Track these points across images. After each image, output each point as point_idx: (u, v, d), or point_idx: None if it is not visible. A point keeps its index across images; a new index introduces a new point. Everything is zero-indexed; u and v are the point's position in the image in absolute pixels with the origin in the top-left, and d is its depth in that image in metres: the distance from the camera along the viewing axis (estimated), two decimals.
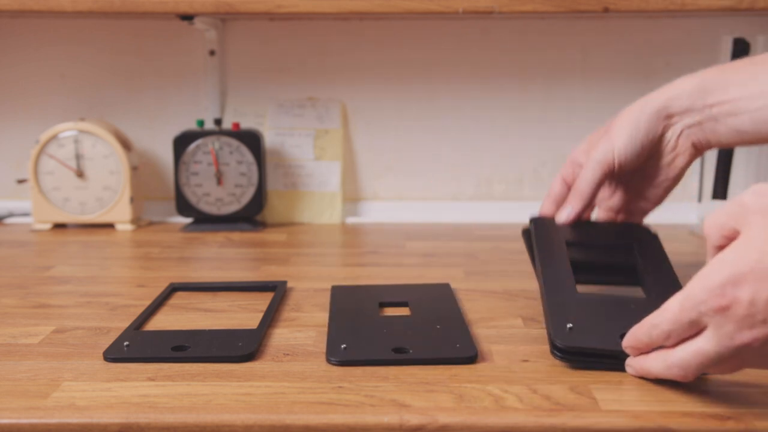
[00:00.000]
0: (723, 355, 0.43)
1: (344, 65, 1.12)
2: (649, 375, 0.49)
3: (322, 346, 0.58)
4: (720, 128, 0.61)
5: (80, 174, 1.04)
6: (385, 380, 0.51)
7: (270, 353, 0.57)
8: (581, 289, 0.60)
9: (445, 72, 1.12)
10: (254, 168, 1.05)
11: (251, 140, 1.04)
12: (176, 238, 1.00)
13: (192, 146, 1.04)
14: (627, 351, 0.51)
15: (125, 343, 0.57)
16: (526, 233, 0.68)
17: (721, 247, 0.44)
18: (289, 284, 0.76)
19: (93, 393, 0.49)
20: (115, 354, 0.55)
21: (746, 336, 0.41)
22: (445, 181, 1.15)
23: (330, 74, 1.12)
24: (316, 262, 0.88)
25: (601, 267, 0.65)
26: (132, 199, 1.05)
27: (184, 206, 1.05)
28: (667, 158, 0.64)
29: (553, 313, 0.55)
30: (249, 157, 1.04)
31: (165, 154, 1.14)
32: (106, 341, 0.59)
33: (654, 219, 0.70)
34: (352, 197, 1.15)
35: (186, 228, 1.05)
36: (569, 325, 0.53)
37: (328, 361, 0.54)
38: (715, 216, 0.44)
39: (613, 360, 0.52)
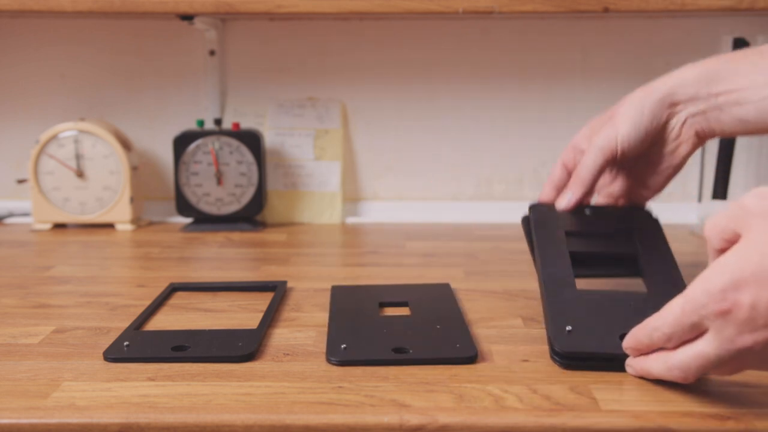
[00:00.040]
0: (724, 358, 0.43)
1: (344, 65, 1.12)
2: (649, 376, 0.49)
3: (322, 346, 0.58)
4: (724, 117, 0.60)
5: (80, 174, 1.04)
6: (385, 380, 0.51)
7: (270, 353, 0.57)
8: (580, 283, 0.59)
9: (445, 72, 1.12)
10: (254, 168, 1.05)
11: (251, 140, 1.04)
12: (176, 238, 1.00)
13: (192, 146, 1.04)
14: (627, 352, 0.51)
15: (125, 343, 0.57)
16: (526, 221, 0.68)
17: (722, 250, 0.44)
18: (289, 284, 0.76)
19: (93, 393, 0.49)
20: (115, 354, 0.55)
21: (747, 340, 0.41)
22: (445, 181, 1.15)
23: (330, 74, 1.12)
24: (316, 262, 0.88)
25: (601, 259, 0.64)
26: (132, 199, 1.05)
27: (184, 206, 1.05)
28: (670, 146, 0.64)
29: (553, 314, 0.55)
30: (249, 157, 1.04)
31: (165, 154, 1.14)
32: (106, 341, 0.59)
33: None
34: (352, 197, 1.15)
35: (186, 228, 1.05)
36: (568, 328, 0.53)
37: (328, 361, 0.54)
38: (715, 219, 0.44)
39: (612, 362, 0.52)
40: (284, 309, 0.68)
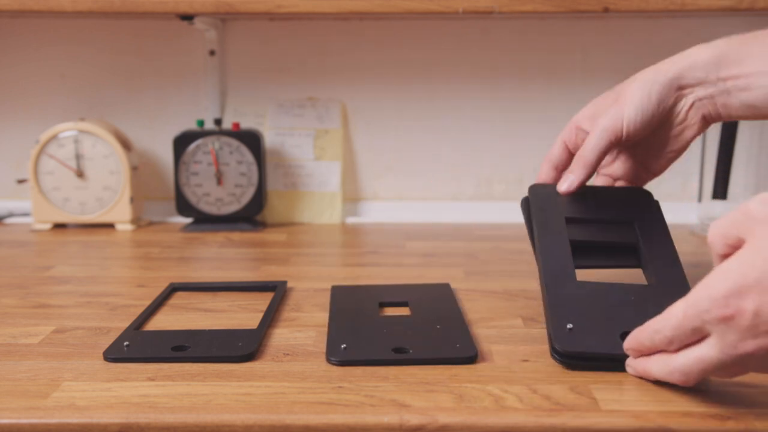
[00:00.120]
0: (726, 362, 0.43)
1: (344, 65, 1.12)
2: (649, 377, 0.49)
3: (322, 346, 0.58)
4: (732, 102, 0.60)
5: (80, 174, 1.04)
6: (385, 380, 0.51)
7: (270, 353, 0.57)
8: (581, 274, 0.59)
9: (445, 72, 1.12)
10: (254, 168, 1.05)
11: (251, 140, 1.04)
12: (176, 238, 1.00)
13: (192, 146, 1.04)
14: (628, 352, 0.51)
15: (125, 343, 0.57)
16: (525, 202, 0.67)
17: (725, 256, 0.43)
18: (289, 284, 0.76)
19: (93, 393, 0.49)
20: (115, 354, 0.55)
21: (750, 345, 0.41)
22: (445, 181, 1.15)
23: (330, 74, 1.12)
24: (316, 262, 0.88)
25: (601, 248, 0.63)
26: (132, 199, 1.05)
27: (184, 206, 1.05)
28: (675, 129, 0.63)
29: (553, 310, 0.55)
30: (249, 157, 1.04)
31: (165, 154, 1.14)
32: (106, 341, 0.59)
33: None
34: (352, 197, 1.15)
35: (186, 228, 1.05)
36: (569, 326, 0.53)
37: (328, 361, 0.54)
38: (719, 224, 0.44)
39: (613, 362, 0.52)
40: (284, 309, 0.68)
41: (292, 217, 1.11)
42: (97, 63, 1.12)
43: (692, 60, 0.61)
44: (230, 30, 1.12)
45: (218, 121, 1.05)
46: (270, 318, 0.64)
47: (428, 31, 1.10)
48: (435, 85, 1.12)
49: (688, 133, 0.63)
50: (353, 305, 0.67)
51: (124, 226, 1.05)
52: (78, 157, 1.04)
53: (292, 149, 1.11)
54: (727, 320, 0.41)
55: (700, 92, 0.61)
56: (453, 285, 0.74)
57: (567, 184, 0.64)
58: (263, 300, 0.70)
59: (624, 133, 0.62)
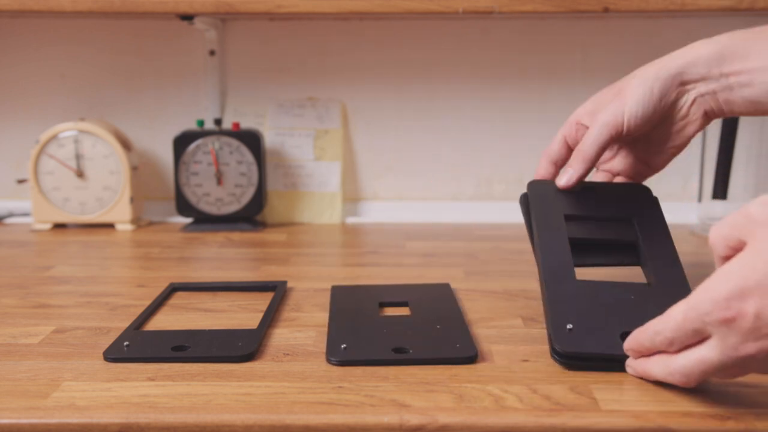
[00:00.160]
0: (726, 364, 0.43)
1: (344, 65, 1.12)
2: (650, 378, 0.49)
3: (322, 346, 0.58)
4: (734, 98, 0.59)
5: (80, 174, 1.04)
6: (385, 380, 0.51)
7: (270, 353, 0.57)
8: (580, 272, 0.59)
9: (445, 72, 1.12)
10: (254, 168, 1.05)
11: (251, 140, 1.04)
12: (176, 238, 1.00)
13: (192, 146, 1.04)
14: (628, 353, 0.51)
15: (125, 343, 0.57)
16: (524, 199, 0.66)
17: (727, 258, 0.43)
18: (289, 284, 0.76)
19: (93, 393, 0.49)
20: (115, 354, 0.55)
21: (751, 348, 0.41)
22: (445, 181, 1.15)
23: (330, 74, 1.12)
24: (316, 262, 0.88)
25: (601, 246, 0.63)
26: (132, 199, 1.05)
27: (184, 206, 1.05)
28: (677, 125, 0.62)
29: (553, 310, 0.55)
30: (249, 157, 1.04)
31: (165, 154, 1.14)
32: (106, 341, 0.59)
33: None
34: (352, 197, 1.15)
35: (186, 228, 1.05)
36: (569, 326, 0.53)
37: (328, 361, 0.54)
38: (720, 226, 0.44)
39: (613, 363, 0.52)
40: (284, 309, 0.68)
41: (292, 217, 1.11)
42: (97, 63, 1.12)
43: (694, 55, 0.60)
44: (230, 30, 1.12)
45: (218, 121, 1.05)
46: (270, 318, 0.64)
47: (428, 31, 1.10)
48: (435, 85, 1.12)
49: (690, 129, 0.62)
50: (353, 305, 0.67)
51: (124, 226, 1.05)
52: (78, 157, 1.04)
53: (292, 149, 1.11)
54: (728, 322, 0.41)
55: (702, 88, 0.60)
56: (453, 285, 0.74)
57: (566, 178, 0.64)
58: (263, 300, 0.70)
59: (625, 128, 0.61)
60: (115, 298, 0.72)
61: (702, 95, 0.61)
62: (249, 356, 0.55)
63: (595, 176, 0.70)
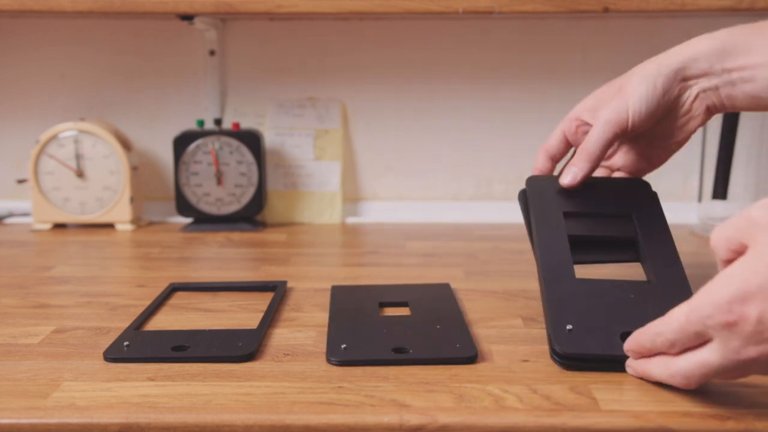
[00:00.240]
0: (727, 367, 0.43)
1: (344, 65, 1.12)
2: (650, 378, 0.49)
3: (322, 346, 0.58)
4: (736, 93, 0.59)
5: (80, 174, 1.04)
6: (385, 380, 0.51)
7: (270, 353, 0.57)
8: (579, 270, 0.59)
9: (445, 72, 1.12)
10: (254, 168, 1.05)
11: (251, 140, 1.04)
12: (176, 238, 1.00)
13: (192, 146, 1.04)
14: (628, 354, 0.50)
15: (125, 343, 0.57)
16: (523, 195, 0.66)
17: (729, 261, 0.43)
18: (289, 284, 0.76)
19: (93, 393, 0.49)
20: (115, 354, 0.55)
21: (752, 351, 0.41)
22: (445, 181, 1.15)
23: (330, 74, 1.12)
24: (316, 262, 0.88)
25: (600, 243, 0.63)
26: (132, 199, 1.05)
27: (184, 206, 1.05)
28: (679, 121, 0.62)
29: (552, 311, 0.55)
30: (249, 157, 1.04)
31: (165, 154, 1.14)
32: (106, 341, 0.59)
33: None
34: (352, 197, 1.15)
35: (186, 228, 1.05)
36: (569, 327, 0.53)
37: (328, 361, 0.54)
38: (722, 229, 0.44)
39: (613, 363, 0.52)
40: (284, 309, 0.68)
41: (292, 217, 1.11)
42: (97, 63, 1.12)
43: (696, 51, 0.60)
44: (230, 30, 1.12)
45: (218, 121, 1.05)
46: (270, 318, 0.64)
47: (428, 31, 1.10)
48: (435, 85, 1.12)
49: (692, 124, 0.62)
50: (353, 305, 0.67)
51: (124, 226, 1.05)
52: (78, 157, 1.04)
53: (292, 149, 1.11)
54: (730, 326, 0.41)
55: (704, 83, 0.60)
56: (453, 285, 0.74)
57: (570, 177, 0.63)
58: (263, 300, 0.70)
59: (629, 125, 0.61)
60: (115, 298, 0.72)
61: (704, 90, 0.60)
62: (249, 356, 0.55)
63: (595, 171, 0.70)
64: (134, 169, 1.05)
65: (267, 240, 1.00)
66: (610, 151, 0.68)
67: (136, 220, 1.07)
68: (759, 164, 0.98)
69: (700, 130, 1.02)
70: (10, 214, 1.11)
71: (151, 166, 1.15)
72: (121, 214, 1.05)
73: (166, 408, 0.47)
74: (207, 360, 0.55)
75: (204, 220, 1.06)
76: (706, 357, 0.43)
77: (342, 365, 0.54)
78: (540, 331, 0.61)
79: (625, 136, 0.63)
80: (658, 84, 0.60)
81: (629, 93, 0.61)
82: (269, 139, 1.11)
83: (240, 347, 0.56)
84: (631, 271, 0.63)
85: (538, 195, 0.65)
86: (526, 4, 0.89)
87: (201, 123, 1.05)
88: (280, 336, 0.61)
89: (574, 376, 0.52)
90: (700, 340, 0.44)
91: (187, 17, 0.96)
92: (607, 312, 0.55)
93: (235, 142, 1.04)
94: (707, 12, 0.96)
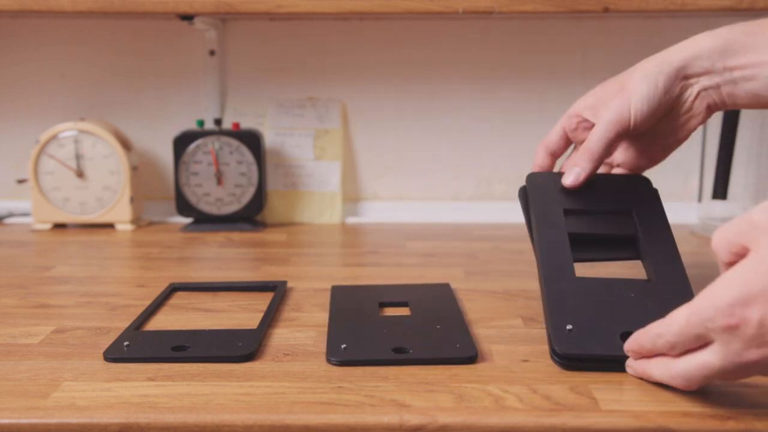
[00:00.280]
0: (728, 370, 0.43)
1: (344, 65, 1.12)
2: (650, 379, 0.49)
3: (322, 346, 0.58)
4: (738, 91, 0.59)
5: (80, 174, 1.04)
6: (385, 380, 0.51)
7: (270, 353, 0.57)
8: (580, 269, 0.59)
9: (445, 72, 1.12)
10: (254, 168, 1.05)
11: (251, 140, 1.04)
12: (176, 238, 1.00)
13: (192, 146, 1.04)
14: (628, 354, 0.50)
15: (125, 343, 0.57)
16: (523, 193, 0.66)
17: (730, 264, 0.43)
18: (289, 284, 0.76)
19: (93, 393, 0.49)
20: (115, 354, 0.55)
21: (753, 354, 0.41)
22: (445, 181, 1.15)
23: (330, 74, 1.12)
24: (316, 262, 0.88)
25: (600, 241, 0.62)
26: (132, 199, 1.05)
27: (184, 206, 1.05)
28: (680, 119, 0.62)
29: (552, 310, 0.55)
30: (249, 157, 1.04)
31: (165, 154, 1.14)
32: (106, 341, 0.59)
33: None
34: (352, 197, 1.15)
35: (186, 228, 1.05)
36: (569, 327, 0.53)
37: (328, 361, 0.54)
38: (723, 232, 0.44)
39: (613, 363, 0.52)
40: (284, 309, 0.68)
41: (292, 217, 1.11)
42: (97, 63, 1.12)
43: (697, 49, 0.60)
44: (230, 30, 1.12)
45: (218, 121, 1.05)
46: (270, 318, 0.64)
47: (428, 31, 1.10)
48: (435, 85, 1.12)
49: (693, 122, 0.62)
50: (353, 305, 0.67)
51: (124, 226, 1.05)
52: (78, 157, 1.04)
53: (292, 149, 1.11)
54: (731, 329, 0.41)
55: (705, 81, 0.60)
56: (453, 285, 0.74)
57: (573, 177, 0.63)
58: (263, 300, 0.70)
59: (632, 124, 0.61)
60: (115, 298, 0.72)
61: (705, 89, 0.60)
62: (249, 356, 0.55)
63: None
64: (134, 169, 1.05)
65: (267, 240, 1.00)
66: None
67: (136, 220, 1.07)
68: (759, 164, 0.98)
69: (700, 130, 1.02)
70: (10, 214, 1.11)
71: (151, 166, 1.15)
72: (121, 214, 1.05)
73: (166, 408, 0.47)
74: (207, 360, 0.55)
75: (204, 220, 1.06)
76: (707, 359, 0.43)
77: (342, 365, 0.54)
78: (540, 331, 0.61)
79: (626, 134, 0.63)
80: (659, 83, 0.60)
81: (631, 92, 0.61)
82: (269, 139, 1.11)
83: (240, 347, 0.56)
84: (631, 271, 0.63)
85: (538, 192, 0.65)
86: (526, 4, 0.89)
87: (201, 123, 1.05)
88: (280, 336, 0.61)
89: (574, 376, 0.52)
90: (700, 342, 0.44)
91: (187, 17, 0.96)
92: (607, 311, 0.55)
93: (235, 142, 1.04)
94: (707, 12, 0.96)
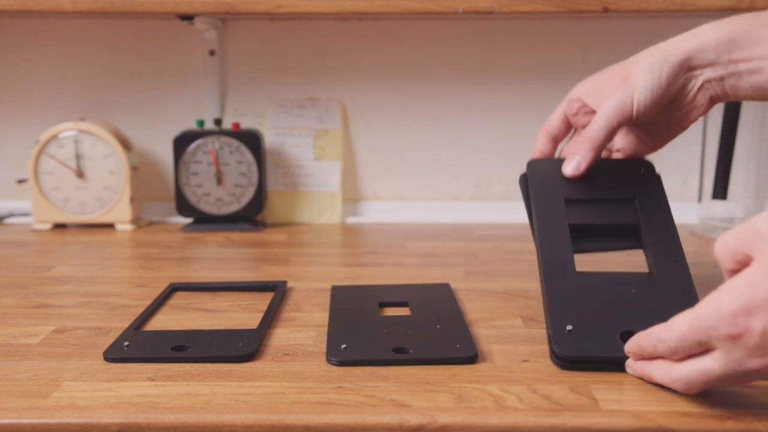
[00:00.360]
0: (729, 376, 0.43)
1: (344, 65, 1.12)
2: (650, 380, 0.49)
3: (322, 346, 0.58)
4: (742, 84, 0.58)
5: (80, 174, 1.04)
6: (385, 380, 0.51)
7: (270, 353, 0.57)
8: (580, 260, 0.58)
9: (445, 72, 1.12)
10: (254, 168, 1.05)
11: (251, 140, 1.04)
12: (176, 238, 1.00)
13: (192, 146, 1.04)
14: (629, 355, 0.50)
15: (125, 343, 0.57)
16: (523, 180, 0.65)
17: (734, 271, 0.43)
18: (289, 284, 0.76)
19: (93, 393, 0.49)
20: (115, 354, 0.55)
21: (756, 363, 0.41)
22: (445, 181, 1.15)
23: (330, 74, 1.12)
24: (316, 262, 0.88)
25: (602, 231, 0.62)
26: (132, 199, 1.05)
27: (184, 206, 1.05)
28: (682, 110, 0.61)
29: (552, 309, 0.55)
30: (249, 157, 1.04)
31: (165, 154, 1.14)
32: (106, 341, 0.59)
33: None
34: (352, 197, 1.15)
35: (186, 228, 1.05)
36: (569, 327, 0.53)
37: (328, 361, 0.54)
38: (726, 239, 0.43)
39: (613, 364, 0.52)
40: (284, 309, 0.68)
41: (292, 217, 1.11)
42: (97, 63, 1.12)
43: (703, 40, 0.59)
44: (230, 30, 1.12)
45: (218, 121, 1.05)
46: (270, 318, 0.64)
47: (428, 31, 1.10)
48: (435, 85, 1.12)
49: (694, 114, 0.62)
50: (353, 305, 0.67)
51: (124, 226, 1.05)
52: (78, 157, 1.04)
53: (292, 149, 1.11)
54: (734, 338, 0.41)
55: (709, 73, 0.59)
56: (453, 285, 0.74)
57: (573, 166, 0.63)
58: (263, 300, 0.70)
59: (634, 113, 0.60)
60: (115, 298, 0.72)
61: (709, 81, 0.60)
62: (249, 356, 0.55)
63: None
64: (134, 169, 1.05)
65: (267, 240, 1.00)
66: None
67: (136, 220, 1.07)
68: (759, 164, 0.98)
69: (700, 130, 1.02)
70: (10, 214, 1.11)
71: (151, 166, 1.15)
72: (121, 214, 1.05)
73: (166, 408, 0.47)
74: (207, 360, 0.55)
75: (204, 220, 1.06)
76: (709, 366, 0.43)
77: (342, 365, 0.54)
78: (540, 331, 0.61)
79: (628, 123, 0.62)
80: (663, 73, 0.59)
81: (635, 83, 0.60)
82: (269, 139, 1.11)
83: (240, 347, 0.56)
84: (632, 258, 0.63)
85: (538, 180, 0.64)
86: (526, 4, 0.89)
87: (201, 123, 1.05)
88: (280, 336, 0.61)
89: (574, 376, 0.52)
90: (702, 349, 0.44)
91: (187, 17, 0.96)
92: (608, 310, 0.55)
93: (235, 142, 1.04)
94: (707, 12, 0.96)
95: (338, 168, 1.11)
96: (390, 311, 0.66)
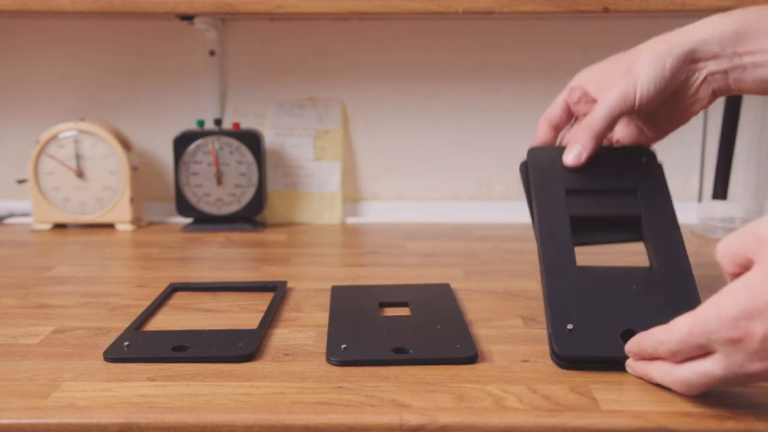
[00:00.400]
0: (730, 379, 0.43)
1: (344, 65, 1.12)
2: (650, 380, 0.49)
3: (322, 346, 0.58)
4: (746, 77, 0.58)
5: (80, 174, 1.04)
6: (385, 380, 0.51)
7: (270, 353, 0.57)
8: (581, 253, 0.58)
9: (445, 72, 1.12)
10: (254, 168, 1.05)
11: (251, 140, 1.04)
12: (176, 238, 1.00)
13: (192, 146, 1.04)
14: (629, 355, 0.50)
15: (125, 343, 0.57)
16: (524, 168, 0.65)
17: (736, 275, 0.43)
18: (289, 284, 0.76)
19: (93, 393, 0.49)
20: (115, 354, 0.55)
21: (756, 367, 0.41)
22: (445, 181, 1.15)
23: (330, 74, 1.12)
24: (316, 262, 0.88)
25: (603, 222, 0.61)
26: (132, 199, 1.05)
27: (184, 206, 1.05)
28: (685, 102, 0.61)
29: (553, 307, 0.55)
30: (249, 157, 1.04)
31: (165, 154, 1.14)
32: (106, 341, 0.59)
33: None
34: (352, 197, 1.15)
35: (186, 228, 1.05)
36: (569, 326, 0.53)
37: (328, 361, 0.54)
38: (728, 243, 0.43)
39: (613, 364, 0.52)
40: (284, 309, 0.68)
41: (292, 217, 1.11)
42: (97, 63, 1.12)
43: (708, 33, 0.59)
44: (230, 30, 1.12)
45: (218, 121, 1.05)
46: (270, 318, 0.64)
47: (428, 31, 1.10)
48: (435, 85, 1.12)
49: (697, 107, 0.62)
50: (353, 305, 0.67)
51: (124, 226, 1.05)
52: (78, 157, 1.04)
53: (292, 149, 1.11)
54: (735, 342, 0.41)
55: (713, 66, 0.59)
56: (453, 285, 0.74)
57: (574, 155, 0.62)
58: (263, 300, 0.70)
59: (636, 104, 0.60)
60: (115, 298, 0.72)
61: (712, 74, 0.59)
62: (249, 356, 0.55)
63: None
64: (134, 169, 1.05)
65: (267, 240, 1.00)
66: None
67: (136, 221, 1.07)
68: (759, 164, 0.98)
69: (700, 129, 1.02)
70: (10, 214, 1.11)
71: (151, 166, 1.15)
72: (121, 214, 1.05)
73: (166, 408, 0.47)
74: (207, 360, 0.55)
75: (204, 220, 1.06)
76: (709, 368, 0.43)
77: (342, 365, 0.54)
78: (540, 331, 0.61)
79: (629, 113, 0.62)
80: (667, 65, 0.59)
81: (638, 73, 0.60)
82: (269, 139, 1.11)
83: (240, 347, 0.56)
84: (632, 247, 0.62)
85: (539, 169, 0.63)
86: (526, 4, 0.89)
87: (201, 123, 1.05)
88: (280, 336, 0.61)
89: (574, 376, 0.52)
90: (702, 351, 0.44)
91: (187, 17, 0.96)
92: (609, 308, 0.54)
93: (235, 142, 1.04)
94: (707, 12, 0.95)
95: (338, 168, 1.11)
96: (390, 311, 0.66)
